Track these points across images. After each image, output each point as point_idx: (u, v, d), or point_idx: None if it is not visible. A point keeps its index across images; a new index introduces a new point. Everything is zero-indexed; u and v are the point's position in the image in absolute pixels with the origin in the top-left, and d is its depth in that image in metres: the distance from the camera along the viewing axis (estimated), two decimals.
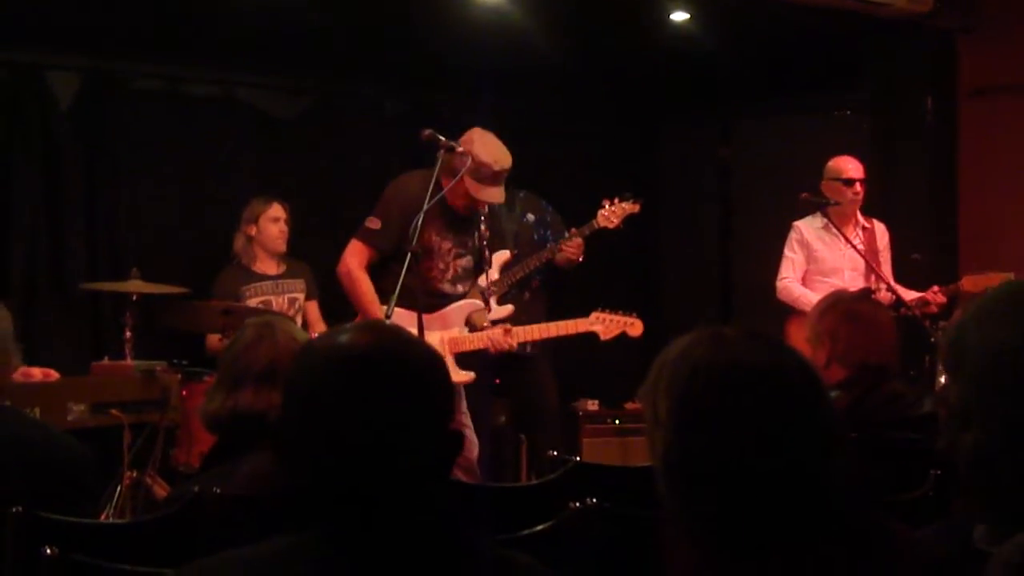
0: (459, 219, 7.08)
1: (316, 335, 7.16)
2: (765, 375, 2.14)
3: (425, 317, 6.63)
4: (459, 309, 7.17)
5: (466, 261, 7.17)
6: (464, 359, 7.14)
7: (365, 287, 6.96)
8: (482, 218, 7.22)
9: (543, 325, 7.43)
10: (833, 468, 2.14)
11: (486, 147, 6.88)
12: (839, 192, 8.42)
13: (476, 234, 7.22)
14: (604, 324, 7.46)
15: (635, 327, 7.51)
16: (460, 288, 7.18)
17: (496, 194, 6.96)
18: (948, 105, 9.80)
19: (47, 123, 8.62)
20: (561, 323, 7.48)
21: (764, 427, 2.10)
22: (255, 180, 8.88)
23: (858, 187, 8.42)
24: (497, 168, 6.86)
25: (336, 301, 7.97)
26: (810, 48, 9.84)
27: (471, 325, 7.20)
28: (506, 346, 7.17)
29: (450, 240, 7.07)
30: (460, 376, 7.06)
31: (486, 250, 7.24)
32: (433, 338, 6.91)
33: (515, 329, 7.21)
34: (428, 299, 6.83)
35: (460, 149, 6.75)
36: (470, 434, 7.18)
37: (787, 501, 2.10)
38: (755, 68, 9.95)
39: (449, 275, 7.11)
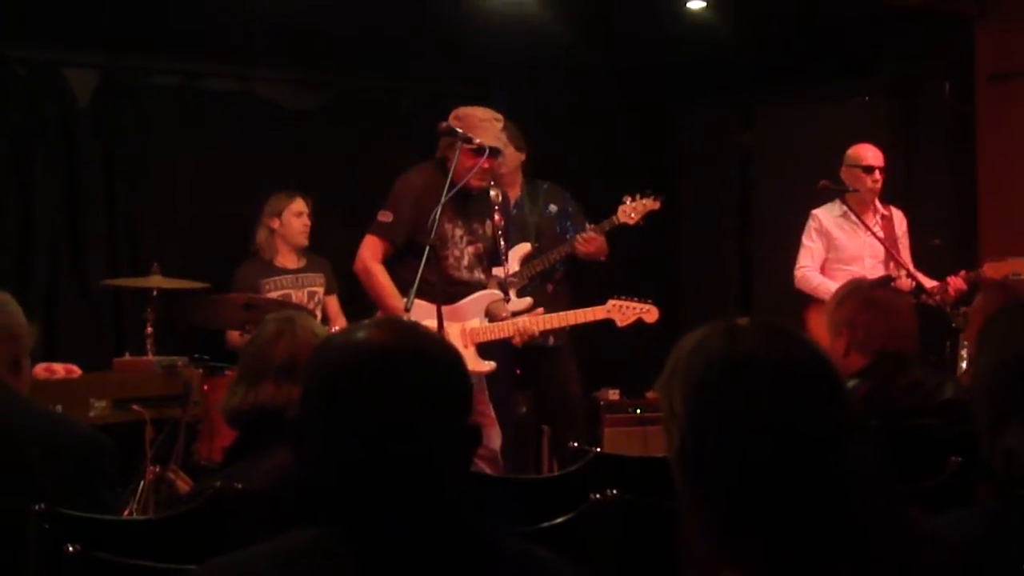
0: (469, 207, 7.11)
1: (335, 330, 7.22)
2: (779, 367, 2.14)
3: (444, 309, 6.65)
4: (478, 300, 7.18)
5: (476, 248, 7.20)
6: (486, 349, 7.16)
7: (383, 281, 6.98)
8: (496, 207, 7.24)
9: (560, 314, 7.45)
10: (849, 459, 2.15)
11: (467, 112, 7.01)
12: (858, 179, 8.41)
13: (488, 222, 7.26)
14: (620, 311, 7.48)
15: (651, 314, 7.53)
16: (476, 275, 7.20)
17: (492, 136, 6.98)
18: (966, 90, 9.78)
19: (66, 120, 8.65)
20: (578, 311, 7.50)
21: (778, 420, 2.11)
22: (273, 174, 8.88)
23: (877, 175, 8.41)
24: (482, 114, 6.94)
25: (353, 295, 7.99)
26: (827, 35, 9.83)
27: (491, 316, 7.21)
28: (535, 332, 7.19)
29: (461, 227, 7.11)
30: (482, 366, 7.08)
31: (500, 240, 7.26)
32: (453, 329, 6.94)
33: (541, 318, 7.24)
34: (446, 289, 6.86)
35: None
36: (494, 424, 7.20)
37: (803, 493, 2.10)
38: (772, 55, 9.93)
39: (465, 262, 7.14)
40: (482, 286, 7.24)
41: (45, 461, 3.60)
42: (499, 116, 7.09)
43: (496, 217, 7.30)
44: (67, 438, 3.77)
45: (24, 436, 3.65)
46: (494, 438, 7.17)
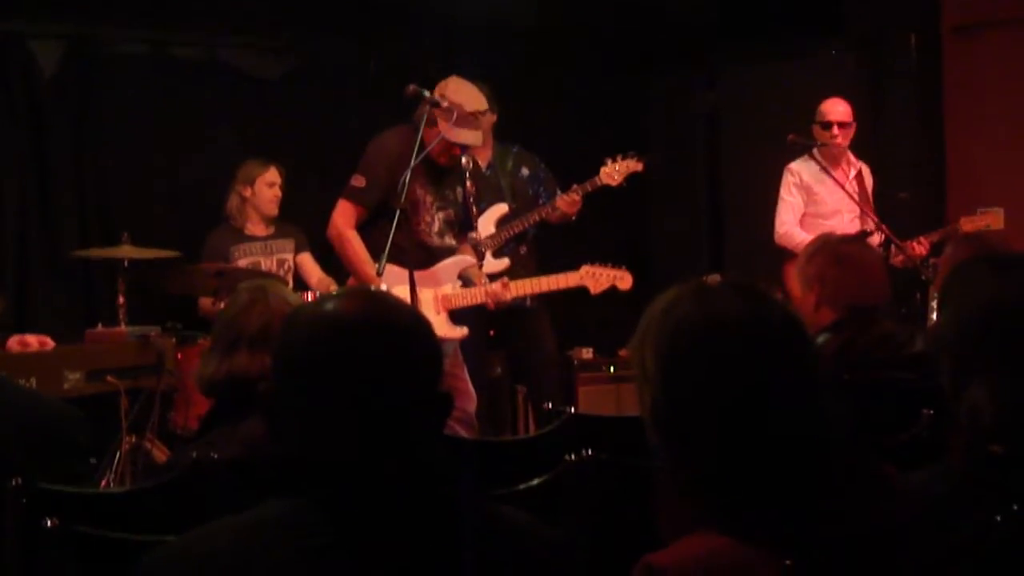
0: (440, 172, 7.11)
1: (308, 295, 7.24)
2: (747, 327, 2.16)
3: (417, 274, 6.66)
4: (451, 266, 7.18)
5: (446, 214, 7.19)
6: (458, 314, 7.16)
7: (356, 247, 6.97)
8: (467, 173, 7.24)
9: (533, 280, 7.48)
10: (821, 416, 2.16)
11: (459, 90, 6.95)
12: (820, 134, 8.44)
13: (459, 188, 7.24)
14: (594, 278, 7.51)
15: (624, 280, 7.55)
16: (447, 241, 7.19)
17: (472, 136, 6.99)
18: (932, 43, 9.79)
19: (32, 91, 8.60)
20: (551, 277, 7.52)
21: (748, 378, 2.12)
22: (241, 141, 8.86)
23: (835, 130, 8.42)
24: (470, 108, 6.90)
25: (325, 262, 8.00)
26: None
27: (465, 281, 7.21)
28: (506, 298, 7.21)
29: (432, 193, 7.09)
30: (454, 332, 7.09)
31: (472, 206, 7.26)
32: (426, 295, 6.94)
33: (511, 283, 7.25)
34: (418, 255, 6.86)
35: (445, 104, 6.78)
36: (467, 387, 7.22)
37: (775, 451, 2.12)
38: (738, 12, 9.93)
39: (435, 228, 7.13)
40: (452, 252, 7.23)
41: (18, 436, 3.60)
42: (483, 98, 7.07)
43: (468, 183, 7.28)
44: (39, 412, 3.77)
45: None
46: (469, 401, 7.19)
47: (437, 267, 7.11)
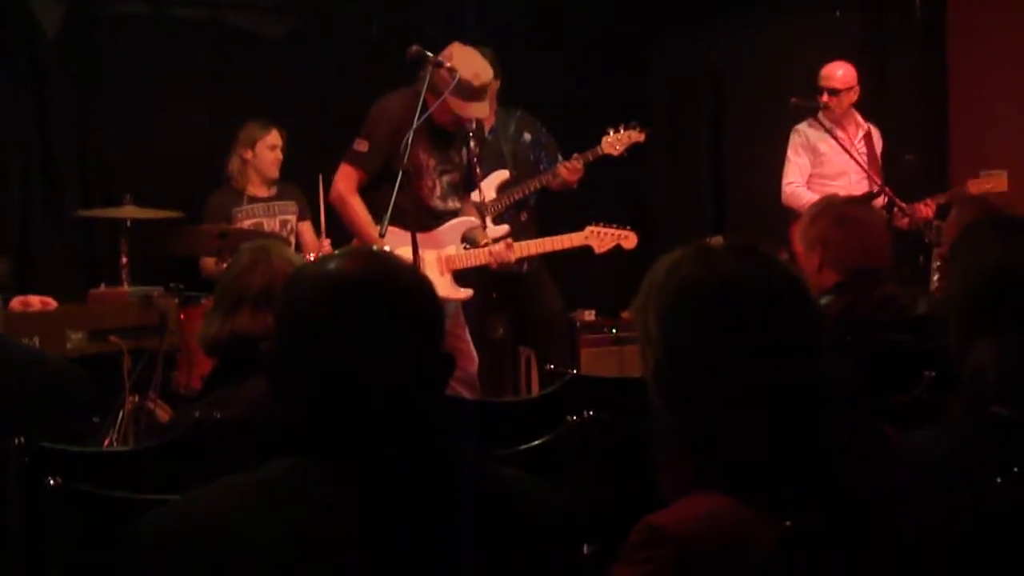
0: (445, 136, 7.07)
1: (310, 256, 7.24)
2: (750, 288, 2.16)
3: (420, 236, 6.66)
4: (454, 227, 7.16)
5: (451, 177, 7.15)
6: (462, 276, 7.16)
7: (359, 210, 6.94)
8: (470, 135, 7.22)
9: (538, 240, 7.47)
10: (823, 376, 2.17)
11: (466, 61, 6.87)
12: (822, 97, 8.44)
13: (464, 151, 7.22)
14: (598, 238, 7.51)
15: (629, 240, 7.55)
16: (451, 204, 7.17)
17: (480, 108, 6.97)
18: (937, 2, 9.75)
19: (34, 52, 8.59)
20: (556, 238, 7.51)
21: (751, 339, 2.13)
22: (244, 101, 8.84)
23: (826, 97, 8.42)
24: (477, 83, 6.84)
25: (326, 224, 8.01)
26: None
27: (469, 242, 7.21)
28: (510, 259, 7.20)
29: (435, 157, 7.05)
30: (459, 293, 7.10)
31: (476, 167, 7.24)
32: (430, 256, 6.94)
33: (515, 244, 7.25)
34: (421, 218, 6.85)
35: (448, 64, 6.74)
36: (469, 348, 7.22)
37: (777, 411, 2.13)
38: None
39: (437, 192, 7.09)
40: (456, 215, 7.22)
41: (20, 394, 3.60)
42: (489, 68, 7.03)
43: (471, 145, 7.26)
44: (41, 371, 3.77)
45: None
46: (470, 362, 7.19)
47: (440, 228, 7.09)
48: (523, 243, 7.32)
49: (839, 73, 8.46)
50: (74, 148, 8.70)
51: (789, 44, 10.02)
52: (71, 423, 3.68)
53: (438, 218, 7.11)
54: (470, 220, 7.24)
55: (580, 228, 7.53)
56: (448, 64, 6.74)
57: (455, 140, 7.17)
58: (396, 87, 7.12)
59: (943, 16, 9.76)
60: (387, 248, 6.46)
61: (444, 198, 7.12)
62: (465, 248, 7.18)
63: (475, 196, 7.42)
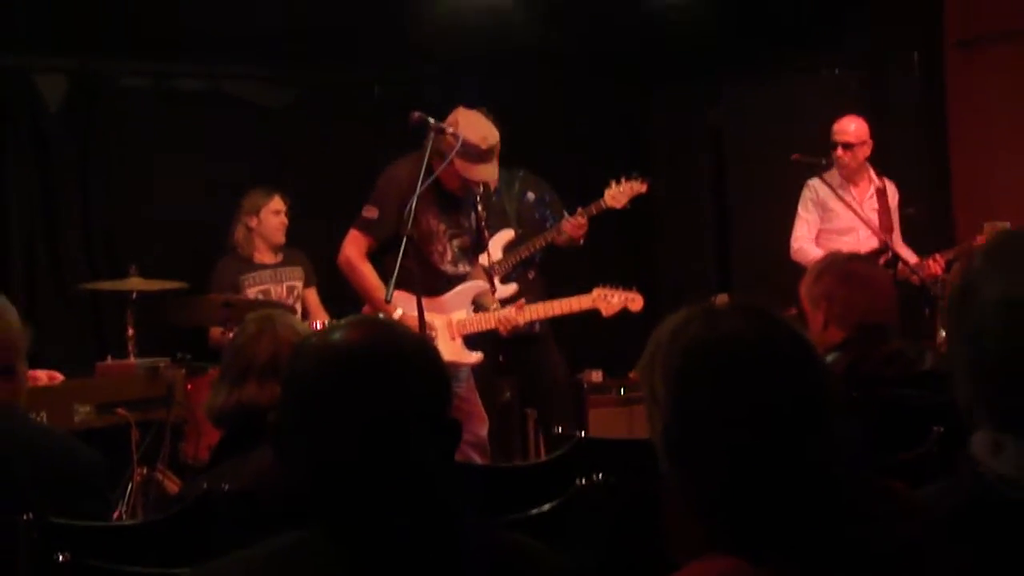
0: (453, 201, 7.05)
1: (316, 324, 7.24)
2: (759, 350, 2.15)
3: (430, 301, 6.70)
4: (464, 292, 7.16)
5: (461, 241, 7.14)
6: (472, 339, 7.16)
7: (368, 274, 6.92)
8: (477, 198, 7.22)
9: (547, 304, 7.47)
10: (832, 438, 2.16)
11: (471, 125, 6.86)
12: (834, 154, 8.45)
13: (472, 215, 7.21)
14: (605, 301, 7.51)
15: (636, 302, 7.56)
16: (461, 268, 7.16)
17: (488, 171, 6.95)
18: (935, 59, 9.80)
19: (38, 126, 8.67)
20: (563, 301, 7.51)
21: (758, 401, 2.12)
22: (247, 171, 8.89)
23: (840, 151, 8.43)
24: (485, 146, 6.84)
25: (332, 289, 8.00)
26: (795, 6, 9.83)
27: (478, 306, 7.21)
28: (520, 323, 7.19)
29: (444, 222, 7.05)
30: (469, 357, 7.10)
31: (484, 231, 7.24)
32: (440, 321, 6.94)
33: (526, 307, 7.25)
34: (432, 283, 6.88)
35: (451, 130, 6.75)
36: (481, 411, 7.21)
37: (788, 475, 2.12)
38: (740, 29, 9.93)
39: (448, 257, 7.08)
40: (466, 279, 7.22)
41: (35, 476, 3.59)
42: (495, 130, 7.02)
43: (479, 208, 7.26)
44: (58, 454, 3.76)
45: (12, 448, 3.64)
46: (481, 426, 7.18)
47: (450, 294, 7.09)
48: (532, 307, 7.32)
49: (852, 127, 8.48)
50: (78, 220, 8.75)
51: (789, 101, 10.06)
52: (84, 504, 3.66)
53: (449, 283, 7.11)
54: (479, 284, 7.24)
55: (587, 290, 7.52)
56: (451, 130, 6.75)
57: (464, 204, 7.16)
58: (400, 150, 7.13)
59: (941, 71, 9.80)
60: (399, 311, 6.48)
61: (455, 262, 7.12)
62: (475, 312, 7.18)
63: (483, 259, 7.43)
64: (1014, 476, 2.13)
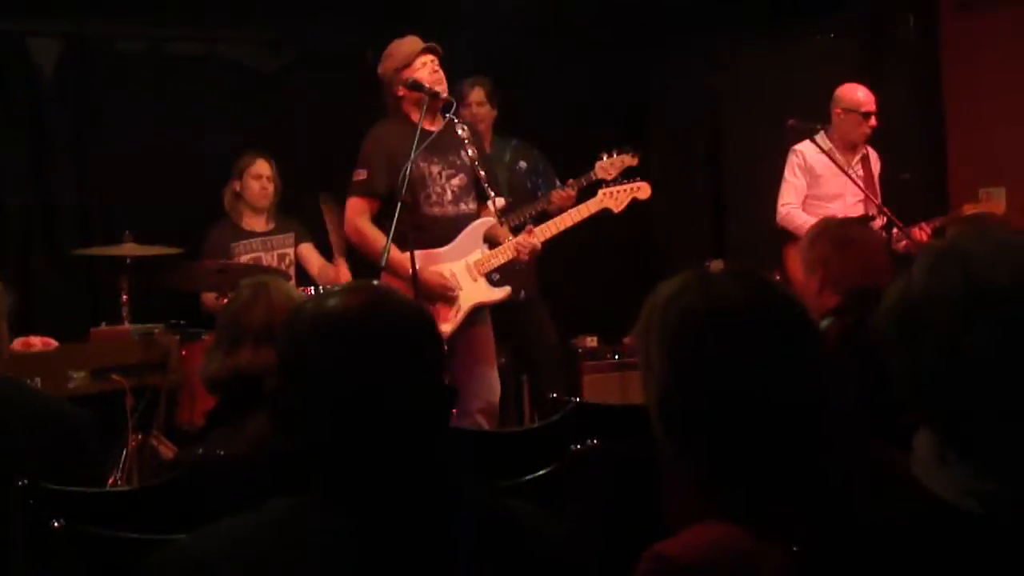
0: (439, 143, 6.96)
1: (316, 271, 7.27)
2: (753, 315, 2.15)
3: (443, 250, 6.84)
4: (474, 231, 7.03)
5: (460, 179, 7.07)
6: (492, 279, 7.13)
7: (373, 238, 6.89)
8: (466, 140, 7.15)
9: (557, 219, 7.30)
10: (826, 401, 2.16)
11: (398, 52, 7.13)
12: (854, 124, 8.38)
13: (462, 152, 7.13)
14: (613, 198, 7.45)
15: (643, 191, 7.52)
16: (464, 207, 7.08)
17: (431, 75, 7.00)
18: (930, 23, 9.77)
19: (32, 91, 8.63)
20: (572, 210, 7.40)
21: (753, 366, 2.12)
22: (241, 136, 8.84)
23: (873, 120, 8.38)
24: (415, 57, 6.99)
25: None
26: None
27: (491, 241, 7.13)
28: (536, 245, 7.10)
29: (436, 163, 7.01)
30: (496, 294, 7.05)
31: (479, 169, 7.14)
32: (459, 267, 6.92)
33: (535, 229, 7.19)
34: (438, 230, 6.91)
35: (444, 96, 6.80)
36: (496, 380, 7.16)
37: (781, 437, 2.12)
38: None
39: (449, 196, 7.03)
40: (473, 217, 7.15)
41: (28, 439, 3.60)
42: (412, 40, 7.13)
43: (470, 150, 7.18)
44: (50, 416, 3.77)
45: (5, 411, 3.65)
46: (495, 388, 7.13)
47: (459, 238, 6.98)
48: (544, 225, 7.22)
49: (859, 95, 8.42)
50: (73, 186, 8.72)
51: (786, 67, 10.03)
52: (79, 473, 3.66)
53: (456, 224, 7.05)
54: (487, 220, 7.11)
55: (574, 255, 7.45)
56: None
57: (453, 144, 7.11)
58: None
59: (937, 35, 9.77)
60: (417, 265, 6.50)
61: (456, 201, 7.02)
62: (489, 248, 7.11)
63: (491, 202, 7.33)
64: (955, 503, 2.11)
